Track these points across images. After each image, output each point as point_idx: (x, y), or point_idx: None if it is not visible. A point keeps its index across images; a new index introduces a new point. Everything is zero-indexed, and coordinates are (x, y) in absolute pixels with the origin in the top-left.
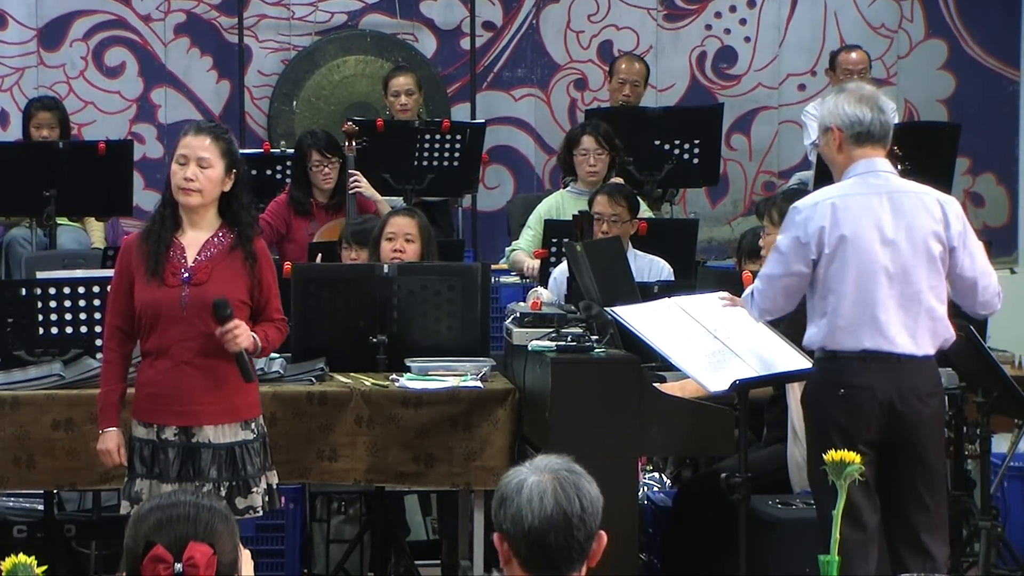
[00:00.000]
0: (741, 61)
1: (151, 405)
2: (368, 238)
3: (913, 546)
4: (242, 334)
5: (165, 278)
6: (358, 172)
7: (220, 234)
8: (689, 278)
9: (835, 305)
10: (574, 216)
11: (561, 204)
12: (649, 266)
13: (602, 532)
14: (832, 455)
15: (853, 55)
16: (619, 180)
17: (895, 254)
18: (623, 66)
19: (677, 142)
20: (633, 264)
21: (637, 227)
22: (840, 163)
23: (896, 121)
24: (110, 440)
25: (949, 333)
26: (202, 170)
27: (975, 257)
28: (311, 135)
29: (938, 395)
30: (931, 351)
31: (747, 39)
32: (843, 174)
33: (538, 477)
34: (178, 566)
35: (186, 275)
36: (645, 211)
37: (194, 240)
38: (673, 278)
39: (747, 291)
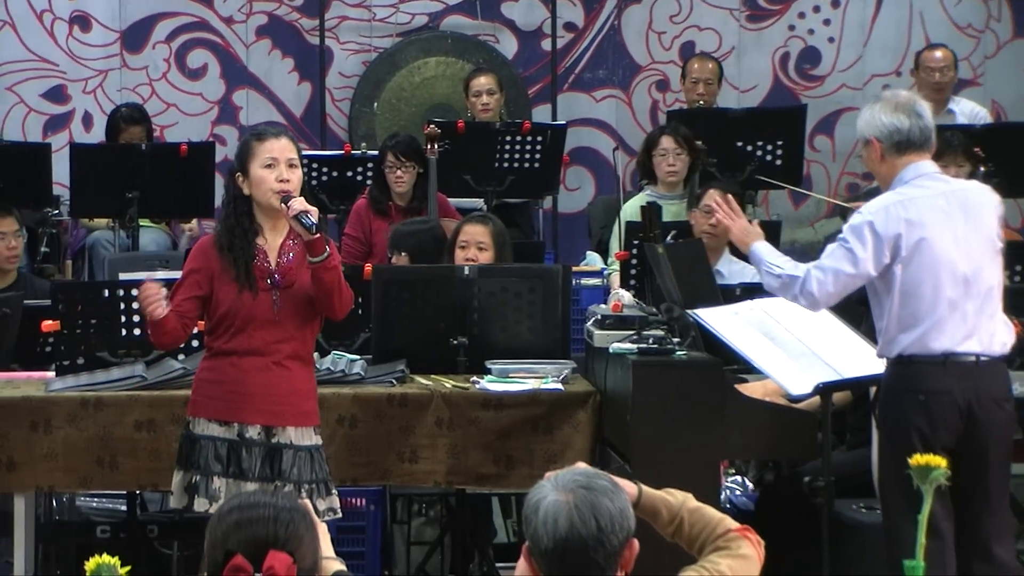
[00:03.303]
0: (825, 62)
1: (234, 403)
2: (407, 243)
3: (983, 554)
4: (299, 201)
5: (257, 285)
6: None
7: (292, 236)
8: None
9: (914, 308)
10: (642, 208)
11: (638, 207)
12: (741, 272)
13: (633, 540)
14: (917, 459)
15: (937, 53)
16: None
17: (968, 254)
18: (695, 65)
19: (759, 143)
20: (728, 268)
21: None
22: (884, 174)
23: (985, 122)
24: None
25: (1012, 332)
26: (291, 169)
27: None
28: (392, 137)
29: (1011, 399)
30: (1005, 351)
31: (831, 39)
32: (890, 184)
33: (555, 496)
34: None
35: (275, 280)
36: None
37: (272, 242)
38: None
39: (799, 272)
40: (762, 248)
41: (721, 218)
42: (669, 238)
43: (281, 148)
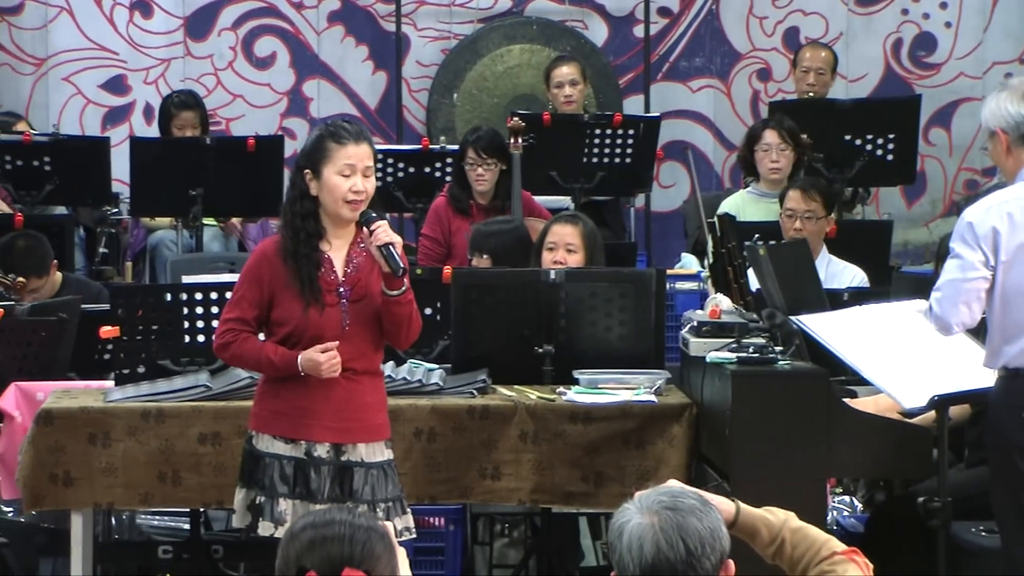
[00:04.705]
0: (941, 48)
1: (301, 420)
2: (488, 244)
3: None
4: (383, 229)
5: (323, 299)
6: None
7: (359, 241)
8: (883, 285)
9: (1016, 317)
10: (718, 217)
11: (741, 206)
12: (841, 273)
13: (729, 562)
14: None
15: None
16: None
17: None
18: (807, 54)
19: (870, 137)
20: (825, 270)
21: (831, 227)
22: (1009, 167)
23: None
24: (313, 354)
25: None
26: (366, 179)
27: None
28: (473, 131)
29: None
30: None
31: (948, 24)
32: (1014, 177)
33: (639, 519)
34: None
35: (344, 293)
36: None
37: (338, 250)
38: (866, 284)
39: (926, 305)
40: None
41: None
42: (756, 239)
43: (360, 155)
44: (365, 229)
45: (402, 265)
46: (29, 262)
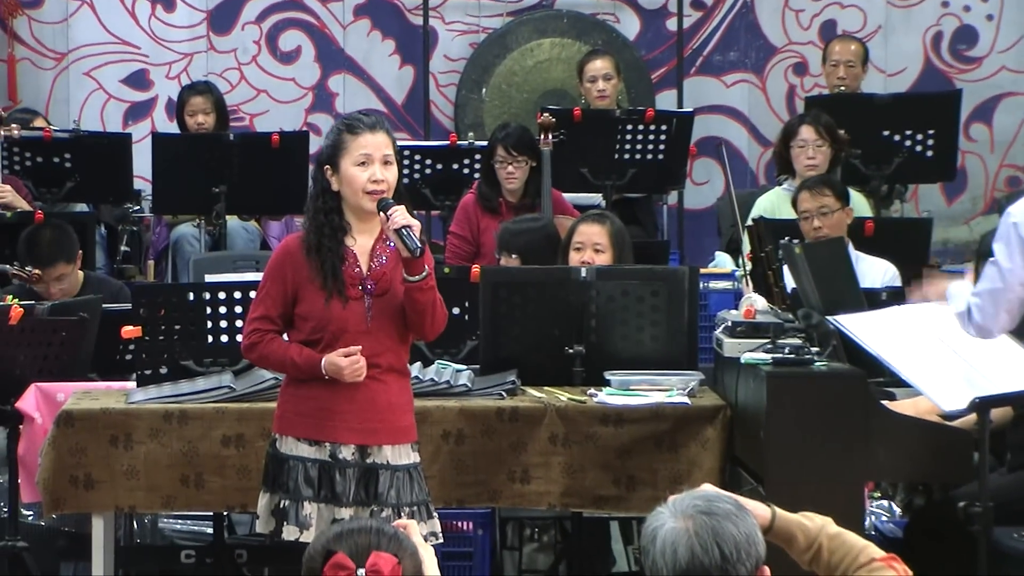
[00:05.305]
0: (983, 42)
1: (326, 421)
2: (516, 243)
3: None
4: (400, 212)
5: (347, 292)
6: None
7: (384, 236)
8: (921, 284)
9: None
10: (753, 223)
11: (776, 204)
12: (873, 269)
13: (764, 568)
14: None
15: None
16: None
17: None
18: (836, 47)
19: (909, 132)
20: (856, 267)
21: (852, 218)
22: None
23: None
24: (336, 359)
25: None
26: (385, 168)
27: None
28: (502, 128)
29: None
30: None
31: (989, 17)
32: None
33: (673, 523)
34: (361, 572)
35: (368, 287)
36: (867, 209)
37: (363, 244)
38: (900, 283)
39: (962, 306)
40: (953, 288)
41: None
42: (785, 240)
43: (376, 144)
44: (382, 214)
45: (419, 245)
46: (56, 248)
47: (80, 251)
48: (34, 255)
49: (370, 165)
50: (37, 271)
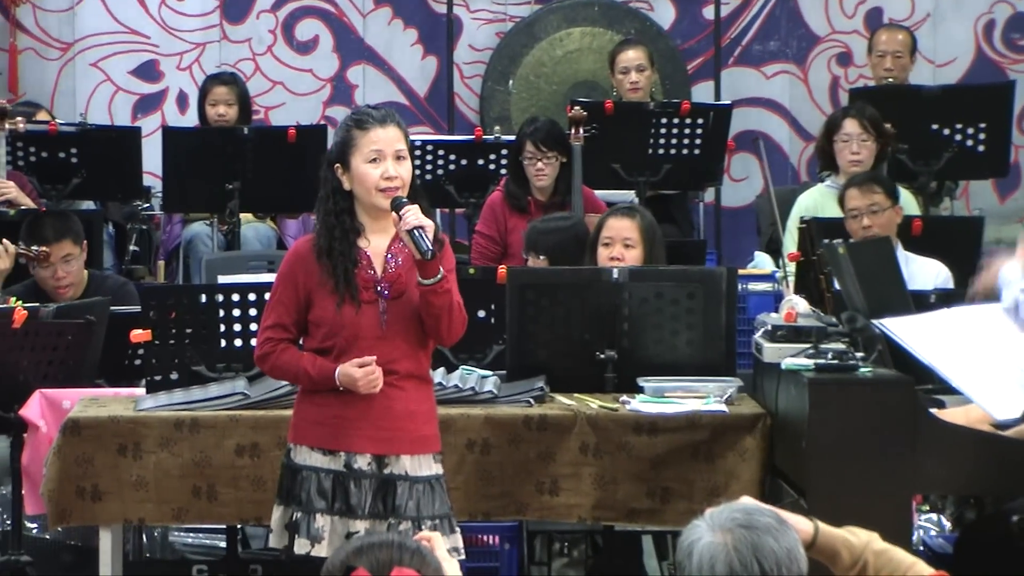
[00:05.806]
0: None
1: (340, 429)
2: (545, 243)
3: None
4: (412, 213)
5: (360, 296)
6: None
7: (399, 237)
8: (973, 285)
9: None
10: (802, 226)
11: (820, 201)
12: (923, 271)
13: None
14: None
15: None
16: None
17: None
18: (883, 37)
19: (959, 126)
20: (905, 268)
21: (902, 216)
22: None
23: None
24: (350, 369)
25: None
26: (398, 164)
27: None
28: (530, 123)
29: None
30: None
31: None
32: None
33: (711, 537)
34: None
35: (382, 290)
36: (914, 207)
37: (377, 246)
38: (953, 285)
39: (1009, 301)
40: (1006, 272)
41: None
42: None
43: (388, 139)
44: (395, 214)
45: (431, 248)
46: (62, 227)
47: (85, 240)
48: (39, 235)
49: (382, 161)
50: (45, 248)
